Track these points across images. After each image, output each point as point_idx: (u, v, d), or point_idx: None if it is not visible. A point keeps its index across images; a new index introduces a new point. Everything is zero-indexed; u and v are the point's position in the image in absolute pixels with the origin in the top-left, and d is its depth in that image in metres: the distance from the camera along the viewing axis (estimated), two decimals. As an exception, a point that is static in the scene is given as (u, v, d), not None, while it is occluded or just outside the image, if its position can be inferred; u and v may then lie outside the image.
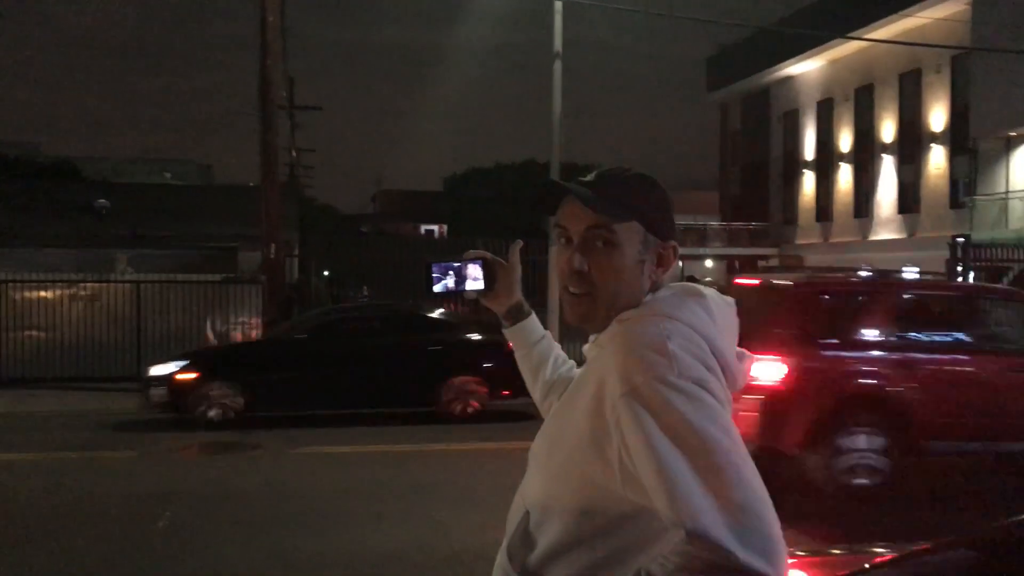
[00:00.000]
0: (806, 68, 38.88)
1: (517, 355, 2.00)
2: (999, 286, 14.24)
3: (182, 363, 11.13)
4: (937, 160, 31.32)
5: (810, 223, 39.18)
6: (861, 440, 7.52)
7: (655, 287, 1.58)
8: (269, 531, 6.62)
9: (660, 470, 1.32)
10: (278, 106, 15.93)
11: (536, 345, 1.99)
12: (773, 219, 41.84)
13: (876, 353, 7.88)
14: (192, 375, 10.90)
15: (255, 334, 14.97)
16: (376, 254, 20.37)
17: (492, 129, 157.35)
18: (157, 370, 11.16)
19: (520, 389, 12.11)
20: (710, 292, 1.57)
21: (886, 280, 9.16)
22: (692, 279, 46.09)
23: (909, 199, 32.81)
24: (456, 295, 1.92)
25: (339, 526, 6.79)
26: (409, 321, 12.23)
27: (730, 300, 1.60)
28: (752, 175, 43.97)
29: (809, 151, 39.39)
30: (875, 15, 30.79)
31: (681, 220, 42.77)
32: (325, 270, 23.48)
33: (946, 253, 19.97)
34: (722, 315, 1.54)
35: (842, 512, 7.16)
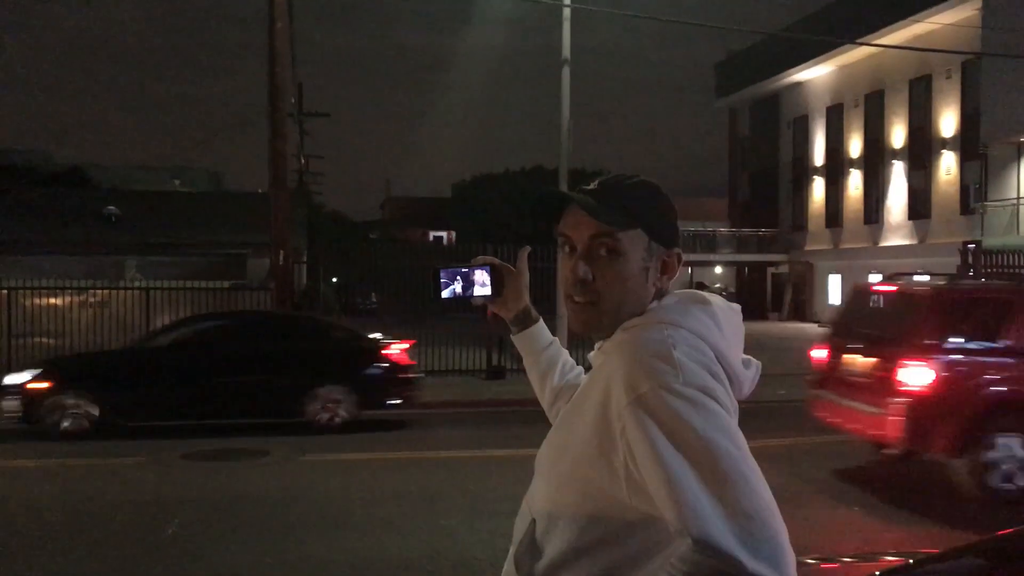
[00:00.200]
0: (816, 74, 38.83)
1: (525, 361, 2.00)
2: None
3: (36, 371, 10.84)
4: (948, 166, 31.23)
5: (820, 229, 39.08)
6: (1008, 445, 7.59)
7: (660, 294, 1.58)
8: (278, 538, 6.62)
9: (667, 479, 1.31)
10: (287, 113, 15.98)
11: (544, 351, 1.98)
12: (782, 225, 41.75)
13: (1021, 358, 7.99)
14: (45, 384, 10.57)
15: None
16: (384, 261, 20.39)
17: (501, 135, 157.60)
18: (11, 379, 10.85)
19: (389, 398, 11.57)
20: (715, 299, 1.56)
21: None
22: (701, 286, 45.89)
23: (919, 205, 32.72)
24: (464, 301, 1.91)
25: (347, 533, 6.79)
26: (277, 328, 11.98)
27: (736, 307, 1.59)
28: (761, 181, 43.90)
29: (819, 157, 39.32)
30: (885, 20, 30.75)
31: (690, 226, 43.02)
32: (334, 277, 23.52)
33: (957, 259, 19.90)
34: (728, 322, 1.53)
35: (984, 515, 7.18)
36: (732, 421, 1.38)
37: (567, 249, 1.59)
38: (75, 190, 31.30)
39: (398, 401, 11.53)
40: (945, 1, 29.14)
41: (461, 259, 1.96)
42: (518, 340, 1.99)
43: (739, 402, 1.50)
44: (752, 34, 37.72)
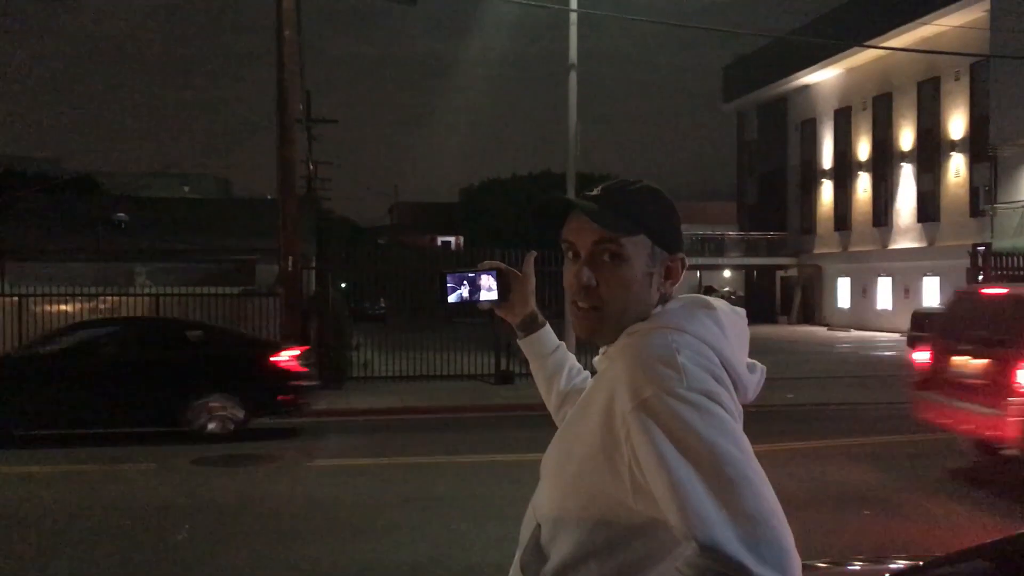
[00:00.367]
0: (823, 77, 38.78)
1: (532, 366, 2.00)
2: None
3: None
4: (957, 168, 31.14)
5: (828, 232, 39.00)
6: None
7: (664, 299, 1.58)
8: (287, 543, 6.63)
9: (671, 483, 1.31)
10: (295, 120, 16.02)
11: (550, 356, 1.98)
12: (791, 229, 41.68)
13: None
14: None
15: None
16: (393, 266, 20.44)
17: (509, 140, 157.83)
18: None
19: (276, 407, 11.07)
20: (719, 303, 1.56)
21: None
22: (710, 289, 45.67)
23: (928, 208, 32.63)
24: (470, 305, 1.92)
25: (357, 538, 6.80)
26: (163, 335, 11.84)
27: (740, 311, 1.59)
28: (769, 184, 43.84)
29: (827, 160, 39.25)
30: (892, 23, 30.71)
31: (699, 230, 42.95)
32: (342, 282, 23.55)
33: (966, 262, 19.84)
34: (732, 326, 1.53)
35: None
36: (737, 425, 1.38)
37: (571, 255, 1.59)
38: (85, 197, 31.43)
39: (287, 410, 11.35)
40: (953, 3, 29.08)
41: (469, 264, 1.97)
42: (524, 344, 1.99)
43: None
44: (759, 37, 37.70)
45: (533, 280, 1.94)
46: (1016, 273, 19.22)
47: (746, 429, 1.39)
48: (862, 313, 35.76)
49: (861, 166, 36.54)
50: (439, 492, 8.28)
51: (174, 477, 9.13)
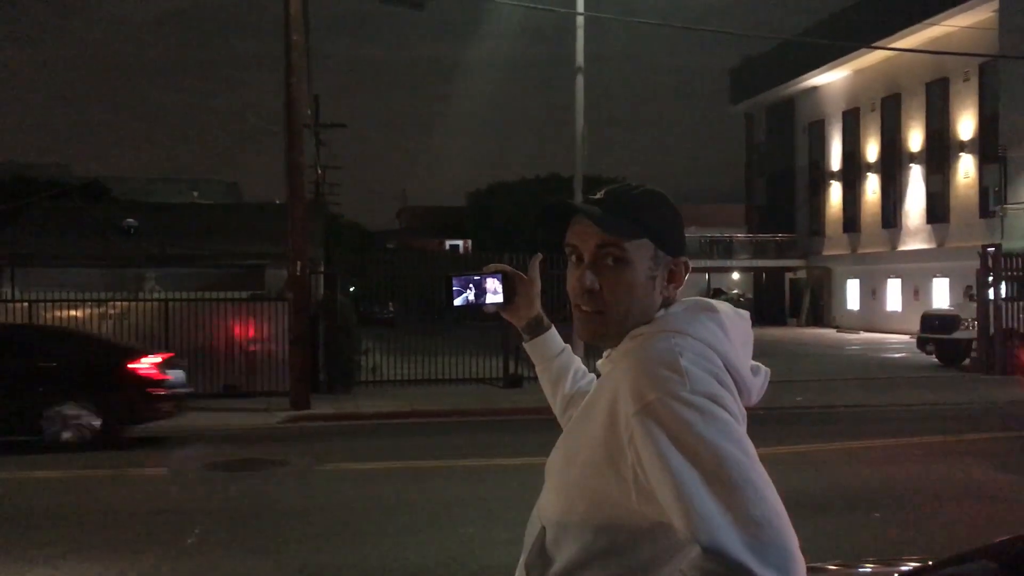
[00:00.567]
0: (831, 78, 38.71)
1: (537, 369, 2.01)
2: None
3: None
4: (966, 169, 31.03)
5: (837, 234, 38.91)
6: None
7: (667, 303, 1.58)
8: (297, 547, 6.64)
9: (675, 487, 1.32)
10: (303, 124, 16.06)
11: (555, 359, 1.99)
12: (800, 230, 41.59)
13: None
14: None
15: None
16: (401, 270, 20.47)
17: (516, 144, 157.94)
18: None
19: (136, 415, 10.65)
20: (723, 306, 1.56)
21: None
22: (719, 292, 45.50)
23: (938, 209, 32.53)
24: (477, 309, 1.93)
25: (367, 542, 6.80)
26: (18, 342, 11.60)
27: (744, 314, 1.59)
28: (778, 186, 43.76)
29: (835, 161, 39.17)
30: (900, 24, 30.65)
31: (707, 232, 42.88)
32: (351, 286, 23.59)
33: (976, 263, 19.76)
34: (735, 329, 1.53)
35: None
36: (740, 428, 1.38)
37: (574, 259, 1.60)
38: (94, 203, 31.57)
39: (149, 418, 11.12)
40: (961, 4, 29.01)
41: (476, 268, 1.98)
42: (530, 347, 2.00)
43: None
44: (767, 39, 37.67)
45: (538, 283, 1.94)
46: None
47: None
48: (871, 315, 35.67)
49: (870, 167, 36.46)
50: (447, 496, 8.28)
51: (184, 481, 9.15)
